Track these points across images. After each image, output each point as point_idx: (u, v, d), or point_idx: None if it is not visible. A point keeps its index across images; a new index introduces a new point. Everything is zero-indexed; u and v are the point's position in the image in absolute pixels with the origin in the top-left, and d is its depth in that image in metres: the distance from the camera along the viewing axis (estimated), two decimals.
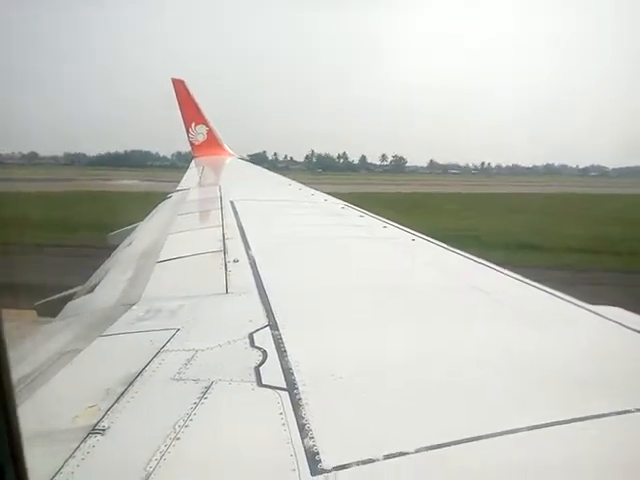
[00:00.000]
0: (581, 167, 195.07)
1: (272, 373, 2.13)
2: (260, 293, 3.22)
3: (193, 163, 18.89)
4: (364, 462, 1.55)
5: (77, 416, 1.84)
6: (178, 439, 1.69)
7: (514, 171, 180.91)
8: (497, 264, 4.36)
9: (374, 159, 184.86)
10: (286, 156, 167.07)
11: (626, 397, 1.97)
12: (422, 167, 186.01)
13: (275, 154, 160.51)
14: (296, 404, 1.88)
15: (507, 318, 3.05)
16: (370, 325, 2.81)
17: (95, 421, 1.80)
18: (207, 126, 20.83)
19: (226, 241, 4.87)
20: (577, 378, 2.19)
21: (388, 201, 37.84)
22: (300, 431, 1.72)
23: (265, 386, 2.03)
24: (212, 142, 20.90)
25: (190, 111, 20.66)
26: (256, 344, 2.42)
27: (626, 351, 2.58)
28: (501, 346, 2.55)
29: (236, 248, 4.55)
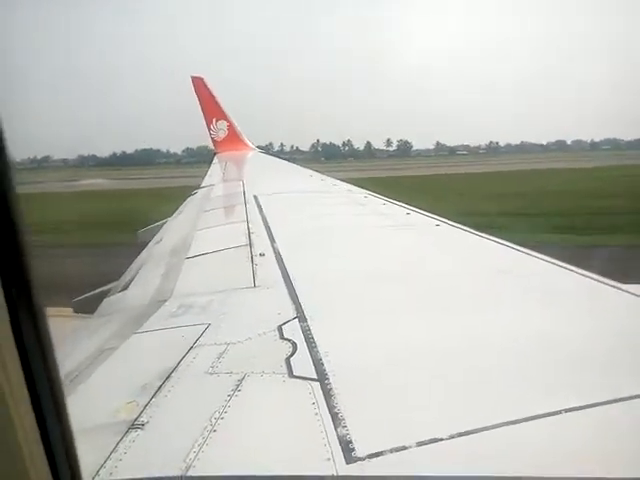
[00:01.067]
0: (597, 141, 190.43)
1: (302, 364, 2.15)
2: (287, 285, 3.25)
3: (216, 159, 19.06)
4: (397, 449, 1.56)
5: (117, 411, 1.91)
6: (215, 431, 1.73)
7: (522, 149, 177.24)
8: None
9: (380, 145, 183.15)
10: (292, 146, 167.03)
11: None
12: (429, 149, 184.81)
13: (282, 144, 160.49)
14: (327, 394, 1.91)
15: (538, 301, 3.00)
16: (398, 314, 2.81)
17: (134, 416, 1.86)
18: (228, 121, 20.95)
19: (251, 235, 4.93)
20: (609, 360, 2.15)
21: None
22: (333, 420, 1.74)
23: (296, 377, 2.06)
24: (233, 137, 21.01)
25: (211, 108, 20.80)
26: (285, 336, 2.45)
27: None
28: (532, 329, 2.51)
29: (261, 242, 4.60)
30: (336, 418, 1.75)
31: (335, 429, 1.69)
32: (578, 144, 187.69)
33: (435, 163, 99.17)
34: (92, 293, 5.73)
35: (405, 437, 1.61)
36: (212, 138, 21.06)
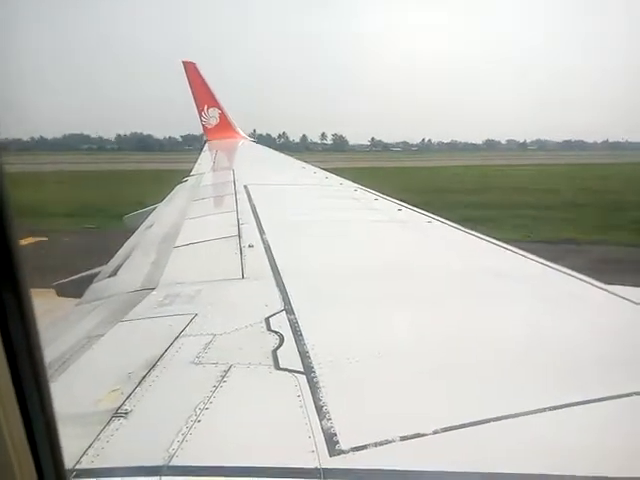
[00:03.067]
0: (528, 141, 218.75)
1: (289, 356, 2.16)
2: (275, 277, 3.24)
3: (206, 146, 18.90)
4: (381, 443, 1.58)
5: (100, 400, 1.90)
6: (199, 421, 1.73)
7: (452, 147, 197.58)
8: None
9: (315, 138, 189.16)
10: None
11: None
12: (365, 145, 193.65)
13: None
14: (313, 387, 1.91)
15: (523, 299, 3.04)
16: (385, 308, 2.82)
17: (118, 404, 1.85)
18: (220, 109, 20.76)
19: (241, 226, 4.90)
20: (594, 358, 2.19)
21: None
22: (318, 413, 1.75)
23: (282, 369, 2.06)
24: (225, 125, 20.84)
25: (202, 94, 20.58)
26: (272, 328, 2.45)
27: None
28: (517, 327, 2.54)
29: (251, 233, 4.58)
30: (321, 411, 1.76)
31: (320, 422, 1.70)
32: (510, 144, 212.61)
33: (363, 158, 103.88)
34: (75, 277, 5.70)
35: (389, 431, 1.62)
36: (203, 125, 20.87)
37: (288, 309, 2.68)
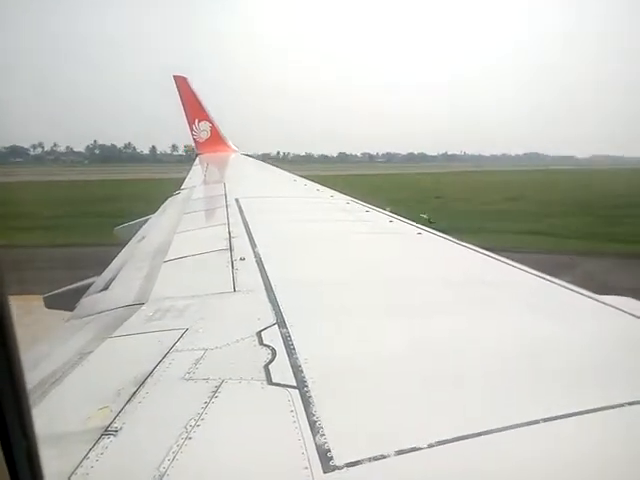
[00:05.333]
0: (380, 154, 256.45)
1: (281, 371, 2.13)
2: (267, 291, 3.22)
3: (197, 160, 18.91)
4: (376, 458, 1.56)
5: (89, 418, 1.86)
6: (190, 439, 1.70)
7: (307, 159, 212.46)
8: None
9: (166, 149, 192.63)
10: (68, 147, 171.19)
11: (634, 388, 1.97)
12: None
13: (55, 144, 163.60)
14: (306, 402, 1.89)
15: (514, 310, 3.04)
16: (378, 321, 2.81)
17: (107, 422, 1.82)
18: (210, 122, 20.82)
19: (232, 239, 4.88)
20: (585, 369, 2.19)
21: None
22: (311, 429, 1.72)
23: (275, 384, 2.04)
24: (216, 139, 20.89)
25: (193, 108, 20.64)
26: (265, 342, 2.43)
27: (635, 341, 2.57)
28: (509, 338, 2.54)
29: (242, 246, 4.56)
30: (314, 426, 1.74)
31: (313, 437, 1.68)
32: (364, 156, 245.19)
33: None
34: (64, 289, 5.64)
35: (384, 446, 1.60)
36: (194, 139, 20.91)
37: (280, 322, 2.66)
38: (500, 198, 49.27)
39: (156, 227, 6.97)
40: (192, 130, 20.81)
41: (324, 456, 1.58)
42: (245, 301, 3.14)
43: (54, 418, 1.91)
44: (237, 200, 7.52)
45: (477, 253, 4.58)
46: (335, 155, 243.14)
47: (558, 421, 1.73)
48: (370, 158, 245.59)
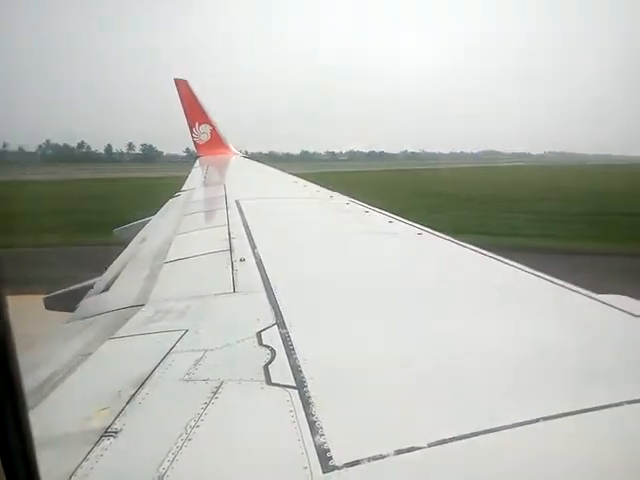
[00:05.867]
0: (343, 152, 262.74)
1: (281, 371, 2.13)
2: (267, 291, 3.23)
3: (197, 162, 18.94)
4: (375, 458, 1.55)
5: (89, 419, 1.86)
6: (190, 439, 1.70)
7: (271, 157, 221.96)
8: None
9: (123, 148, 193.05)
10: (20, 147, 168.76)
11: (634, 387, 1.96)
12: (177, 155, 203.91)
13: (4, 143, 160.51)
14: (306, 402, 1.89)
15: (513, 310, 3.04)
16: (378, 321, 2.81)
17: (107, 423, 1.82)
18: (211, 125, 20.86)
19: (232, 240, 4.89)
20: (584, 368, 2.18)
21: None
22: (311, 429, 1.72)
23: (274, 384, 2.04)
24: (216, 141, 20.93)
25: (194, 111, 20.69)
26: (264, 343, 2.43)
27: (633, 340, 2.57)
28: (508, 338, 2.54)
29: (242, 247, 4.57)
30: (314, 426, 1.73)
31: (312, 437, 1.68)
32: (328, 154, 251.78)
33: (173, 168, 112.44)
34: (64, 290, 5.66)
35: (383, 445, 1.60)
36: (194, 141, 20.96)
37: (280, 323, 2.66)
38: (410, 194, 48.99)
39: (156, 228, 6.99)
40: (193, 133, 20.86)
41: (323, 456, 1.58)
42: (245, 302, 3.14)
43: (54, 419, 1.91)
44: (237, 202, 7.53)
45: (476, 253, 4.57)
46: (298, 153, 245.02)
47: (556, 420, 1.72)
48: (333, 156, 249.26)
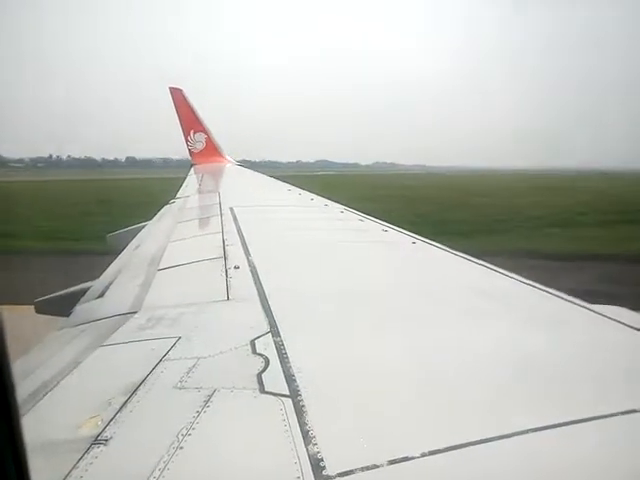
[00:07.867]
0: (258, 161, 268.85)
1: (274, 380, 2.12)
2: (261, 299, 3.21)
3: (192, 170, 18.97)
4: (368, 468, 1.54)
5: (79, 427, 1.83)
6: (181, 448, 1.68)
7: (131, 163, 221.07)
8: None
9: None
10: None
11: (628, 397, 1.96)
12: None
13: None
14: (299, 411, 1.87)
15: (508, 319, 3.04)
16: (372, 330, 2.80)
17: (97, 432, 1.79)
18: (206, 134, 20.92)
19: (226, 247, 4.88)
20: (577, 379, 2.19)
21: None
22: (304, 438, 1.71)
23: (268, 393, 2.02)
24: (211, 149, 20.98)
25: (189, 120, 20.76)
26: (258, 351, 2.41)
27: (627, 350, 2.57)
28: (501, 348, 2.54)
29: (236, 254, 4.55)
30: (307, 436, 1.72)
31: (306, 447, 1.66)
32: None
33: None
34: (56, 294, 5.61)
35: (377, 455, 1.59)
36: (189, 149, 21.01)
37: (274, 331, 2.65)
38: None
39: (150, 235, 6.96)
40: (187, 141, 20.89)
41: (316, 466, 1.56)
42: (239, 309, 3.12)
43: (44, 427, 1.88)
44: (231, 209, 7.52)
45: (471, 262, 4.59)
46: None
47: (549, 431, 1.72)
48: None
